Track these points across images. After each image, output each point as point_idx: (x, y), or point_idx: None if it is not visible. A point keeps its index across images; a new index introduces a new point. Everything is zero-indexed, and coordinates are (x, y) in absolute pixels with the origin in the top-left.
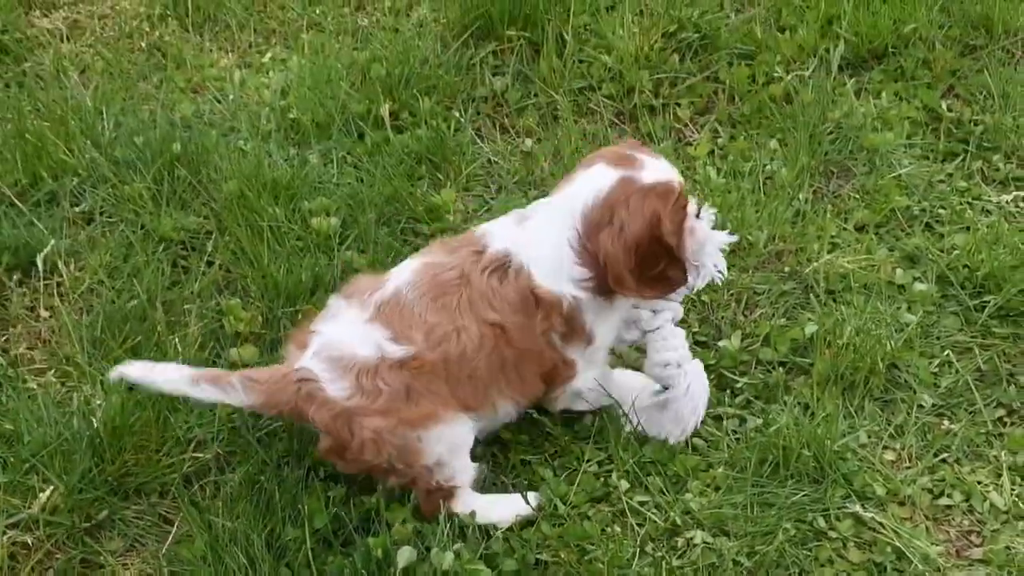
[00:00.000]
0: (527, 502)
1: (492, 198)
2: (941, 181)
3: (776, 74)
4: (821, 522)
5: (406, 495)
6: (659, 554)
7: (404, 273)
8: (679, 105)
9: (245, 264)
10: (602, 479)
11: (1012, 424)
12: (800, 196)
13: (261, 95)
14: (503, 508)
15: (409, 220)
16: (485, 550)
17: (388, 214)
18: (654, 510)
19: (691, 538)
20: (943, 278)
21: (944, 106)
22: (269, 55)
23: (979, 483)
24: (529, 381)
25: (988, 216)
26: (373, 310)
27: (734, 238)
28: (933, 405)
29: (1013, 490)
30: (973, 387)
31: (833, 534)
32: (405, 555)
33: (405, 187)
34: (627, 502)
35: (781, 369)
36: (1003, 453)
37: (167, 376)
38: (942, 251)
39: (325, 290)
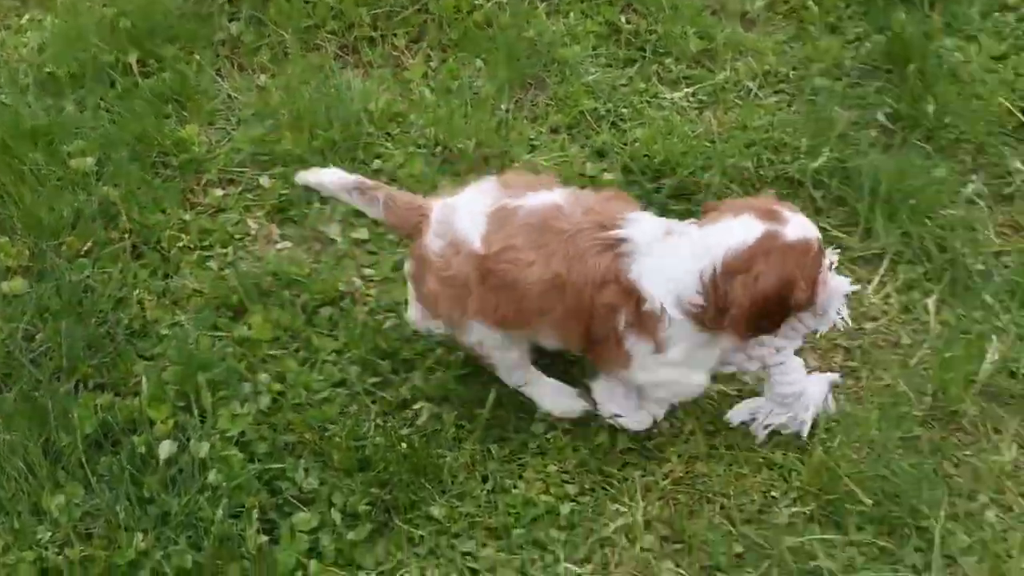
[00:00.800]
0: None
1: (233, 129)
2: (623, 84)
3: (478, 2)
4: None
5: (168, 398)
6: (389, 424)
7: (544, 198)
8: (395, 35)
9: (11, 205)
10: (339, 366)
11: None
12: (502, 107)
13: (20, 53)
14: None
15: (159, 154)
16: (240, 437)
17: (140, 151)
18: (386, 389)
19: (418, 409)
20: (627, 167)
21: (623, 20)
22: (27, 17)
23: None
24: (571, 334)
25: (663, 111)
26: (495, 208)
27: (856, 287)
28: None
29: None
30: None
31: None
32: (166, 448)
33: (154, 125)
34: (361, 385)
35: None
36: None
37: (332, 179)
38: (625, 144)
39: (86, 223)
